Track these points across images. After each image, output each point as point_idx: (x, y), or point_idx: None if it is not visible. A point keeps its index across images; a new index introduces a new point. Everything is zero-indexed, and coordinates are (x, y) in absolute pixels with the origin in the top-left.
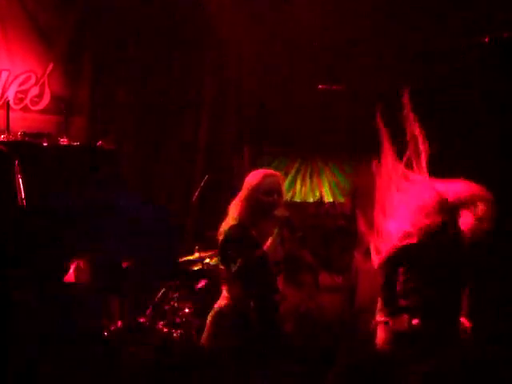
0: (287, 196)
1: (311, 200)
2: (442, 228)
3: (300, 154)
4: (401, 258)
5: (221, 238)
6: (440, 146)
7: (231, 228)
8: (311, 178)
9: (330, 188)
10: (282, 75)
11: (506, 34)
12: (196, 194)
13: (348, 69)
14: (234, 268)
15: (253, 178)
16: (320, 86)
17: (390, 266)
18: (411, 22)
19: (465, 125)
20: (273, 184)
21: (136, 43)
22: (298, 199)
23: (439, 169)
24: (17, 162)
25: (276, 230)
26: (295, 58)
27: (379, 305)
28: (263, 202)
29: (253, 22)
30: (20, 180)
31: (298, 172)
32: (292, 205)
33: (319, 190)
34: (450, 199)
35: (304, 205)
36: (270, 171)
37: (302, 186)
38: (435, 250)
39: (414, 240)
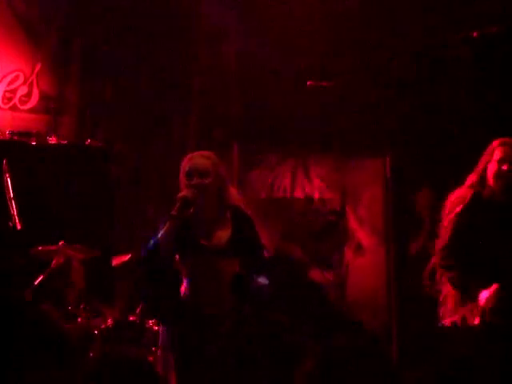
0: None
1: (302, 196)
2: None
3: (289, 150)
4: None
5: None
6: (431, 141)
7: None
8: (301, 173)
9: (320, 184)
10: (271, 71)
11: (495, 29)
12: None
13: (337, 65)
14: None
15: (182, 162)
16: (309, 83)
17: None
18: (401, 18)
19: (454, 121)
20: (195, 165)
21: (125, 41)
22: (287, 195)
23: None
24: (5, 162)
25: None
26: (285, 55)
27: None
28: (182, 185)
29: (243, 17)
30: (8, 179)
31: (287, 168)
32: (281, 201)
33: (308, 186)
34: None
35: (293, 201)
36: (199, 152)
37: (291, 182)
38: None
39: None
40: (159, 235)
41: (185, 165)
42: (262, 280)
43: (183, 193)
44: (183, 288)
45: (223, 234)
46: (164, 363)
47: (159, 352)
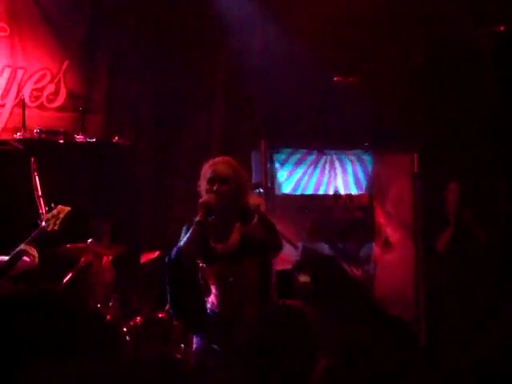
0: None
1: (329, 193)
2: None
3: (317, 146)
4: None
5: None
6: (459, 136)
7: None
8: (328, 170)
9: (348, 180)
10: (297, 67)
11: None
12: None
13: (365, 60)
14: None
15: (203, 168)
16: (335, 78)
17: None
18: (427, 12)
19: (479, 113)
20: (216, 171)
21: (150, 39)
22: (315, 192)
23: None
24: (33, 160)
25: (196, 218)
26: (311, 50)
27: None
28: (204, 191)
29: (267, 13)
30: (36, 177)
31: (315, 164)
32: (309, 197)
33: (335, 182)
34: None
35: (321, 197)
36: (220, 158)
37: (319, 178)
38: None
39: None
40: (183, 242)
41: (206, 170)
42: (304, 278)
43: (206, 199)
44: (210, 297)
45: (236, 238)
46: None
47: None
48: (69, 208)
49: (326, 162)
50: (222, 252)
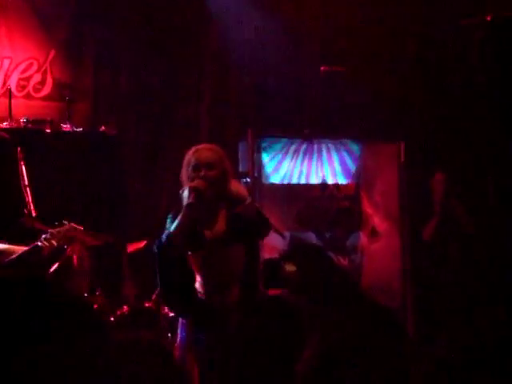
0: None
1: (316, 182)
2: None
3: (304, 135)
4: None
5: None
6: (445, 126)
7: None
8: (316, 159)
9: (335, 169)
10: (284, 57)
11: (508, 13)
12: None
13: (352, 50)
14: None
15: (186, 155)
16: (322, 68)
17: None
18: (415, 2)
19: (467, 104)
20: (201, 157)
21: (137, 28)
22: (302, 181)
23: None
24: (19, 149)
25: (185, 203)
26: (298, 40)
27: None
28: (190, 177)
29: (254, 5)
30: (23, 167)
31: (302, 154)
32: (296, 187)
33: (322, 171)
34: None
35: (309, 187)
36: (203, 145)
37: (306, 167)
38: None
39: None
40: (173, 226)
41: (190, 158)
42: (290, 267)
43: (195, 184)
44: (196, 284)
45: (222, 224)
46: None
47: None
48: (81, 228)
49: (313, 152)
50: (209, 238)
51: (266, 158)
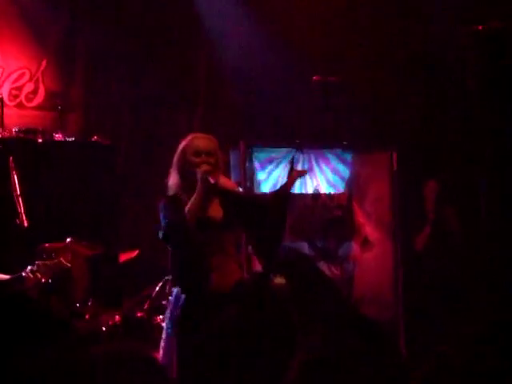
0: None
1: (308, 191)
2: None
3: (296, 145)
4: None
5: None
6: (437, 135)
7: (161, 200)
8: (307, 168)
9: (327, 179)
10: (275, 66)
11: (500, 23)
12: None
13: (343, 60)
14: (160, 235)
15: (182, 142)
16: (315, 78)
17: None
18: (407, 10)
19: (460, 113)
20: (202, 144)
21: (129, 37)
22: (294, 191)
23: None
24: (11, 159)
25: (198, 186)
26: (290, 50)
27: None
28: (191, 162)
29: (248, 13)
30: (15, 176)
31: (295, 163)
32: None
33: (315, 181)
34: None
35: (301, 196)
36: (200, 133)
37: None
38: None
39: None
40: (190, 205)
41: (189, 143)
42: (279, 280)
43: (206, 168)
44: None
45: (219, 209)
46: (167, 350)
47: (162, 341)
48: (69, 265)
49: (305, 161)
50: (213, 220)
51: (258, 167)
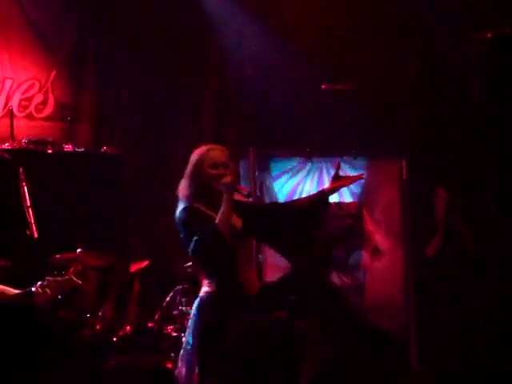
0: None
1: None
2: None
3: (306, 153)
4: None
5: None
6: (447, 142)
7: (181, 211)
8: (318, 177)
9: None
10: (285, 76)
11: (508, 30)
12: None
13: (353, 68)
14: (190, 249)
15: (197, 154)
16: (324, 86)
17: None
18: (413, 19)
19: (468, 121)
20: (218, 156)
21: (138, 48)
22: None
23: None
24: (21, 170)
25: (224, 197)
26: (299, 58)
27: None
28: (210, 176)
29: (256, 21)
30: (25, 188)
31: (305, 172)
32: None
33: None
34: None
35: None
36: (215, 145)
37: (309, 186)
38: None
39: None
40: (220, 217)
41: (205, 155)
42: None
43: (231, 179)
44: None
45: (237, 218)
46: (187, 363)
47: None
48: (80, 282)
49: (315, 170)
50: (235, 230)
51: (273, 177)
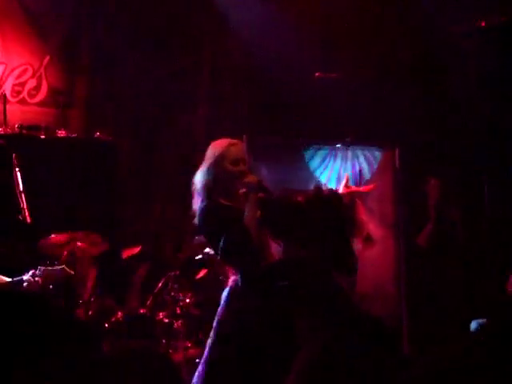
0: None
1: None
2: None
3: (299, 142)
4: None
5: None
6: (440, 132)
7: (204, 206)
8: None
9: (330, 175)
10: (281, 64)
11: (503, 19)
12: None
13: (346, 57)
14: (219, 247)
15: (217, 148)
16: (317, 74)
17: None
18: (408, 8)
19: (462, 110)
20: (238, 152)
21: (133, 33)
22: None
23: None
24: (14, 155)
25: (250, 197)
26: (293, 46)
27: None
28: (231, 172)
29: (251, 10)
30: (18, 173)
31: (296, 160)
32: (292, 193)
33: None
34: None
35: (303, 193)
36: (234, 140)
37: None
38: None
39: None
40: (247, 215)
41: (225, 150)
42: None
43: (254, 178)
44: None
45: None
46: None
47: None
48: (72, 273)
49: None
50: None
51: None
